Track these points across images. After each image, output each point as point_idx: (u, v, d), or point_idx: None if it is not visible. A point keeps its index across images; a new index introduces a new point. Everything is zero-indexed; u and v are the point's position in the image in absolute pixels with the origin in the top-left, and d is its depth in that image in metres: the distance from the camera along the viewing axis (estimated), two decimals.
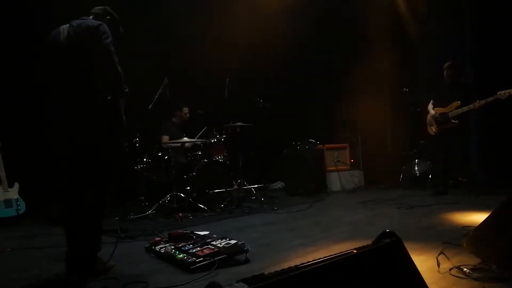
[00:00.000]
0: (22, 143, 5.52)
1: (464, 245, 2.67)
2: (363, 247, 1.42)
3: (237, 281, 1.07)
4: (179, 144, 5.60)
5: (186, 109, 6.33)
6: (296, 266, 1.19)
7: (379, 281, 1.35)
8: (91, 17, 3.00)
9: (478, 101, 5.39)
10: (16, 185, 5.30)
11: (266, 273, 1.17)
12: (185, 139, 5.49)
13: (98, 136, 2.77)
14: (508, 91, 5.11)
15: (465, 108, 5.55)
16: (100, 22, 2.83)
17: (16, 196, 5.22)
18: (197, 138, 6.09)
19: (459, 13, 6.82)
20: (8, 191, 5.21)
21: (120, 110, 2.84)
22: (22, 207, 5.22)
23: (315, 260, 1.24)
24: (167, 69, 5.98)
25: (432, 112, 5.97)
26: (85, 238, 2.76)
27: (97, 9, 3.10)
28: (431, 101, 6.08)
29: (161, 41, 6.68)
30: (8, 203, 5.12)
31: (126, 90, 2.81)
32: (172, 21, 6.70)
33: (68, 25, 2.87)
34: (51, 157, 3.09)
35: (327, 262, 1.22)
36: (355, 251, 1.38)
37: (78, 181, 2.79)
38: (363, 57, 7.81)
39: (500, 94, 5.16)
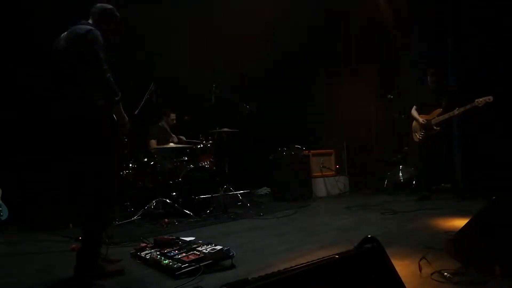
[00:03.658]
0: (4, 149, 5.46)
1: (444, 249, 2.73)
2: (345, 252, 1.45)
3: (221, 286, 1.09)
4: (168, 148, 5.59)
5: (173, 115, 6.35)
6: (279, 271, 1.21)
7: (360, 286, 1.38)
8: (90, 20, 2.99)
9: (457, 108, 5.53)
10: None
11: (250, 278, 1.19)
12: (172, 144, 5.49)
13: (91, 143, 2.79)
14: (484, 99, 5.29)
15: (446, 115, 5.67)
16: (89, 28, 2.82)
17: None
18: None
19: (441, 21, 6.94)
20: None
21: (117, 115, 2.86)
22: (5, 213, 5.14)
23: (298, 265, 1.26)
24: (153, 74, 5.98)
25: (420, 119, 6.02)
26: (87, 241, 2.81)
27: (95, 8, 3.07)
28: (414, 106, 6.17)
29: (147, 46, 6.68)
30: None
31: (117, 97, 2.81)
32: (159, 25, 6.69)
33: (66, 32, 2.90)
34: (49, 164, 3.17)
35: (309, 267, 1.25)
36: (336, 256, 1.41)
37: (77, 186, 2.84)
38: (348, 64, 7.91)
39: (477, 101, 5.33)
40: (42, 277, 2.91)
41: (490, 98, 5.26)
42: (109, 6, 3.11)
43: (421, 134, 6.00)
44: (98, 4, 3.09)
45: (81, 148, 2.82)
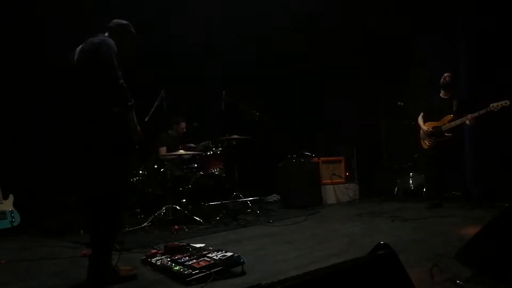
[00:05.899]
0: (17, 155, 5.53)
1: (457, 257, 2.70)
2: (358, 259, 1.45)
3: None
4: (176, 156, 5.61)
5: (183, 124, 6.36)
6: (292, 276, 1.21)
7: None
8: (106, 34, 3.04)
9: (470, 114, 5.46)
10: (11, 197, 5.28)
11: (263, 283, 1.19)
12: (181, 151, 5.51)
13: (105, 150, 2.82)
14: (500, 103, 5.16)
15: (458, 121, 5.61)
16: (103, 38, 2.89)
17: (10, 208, 5.21)
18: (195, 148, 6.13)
19: (453, 25, 6.91)
20: (3, 203, 5.19)
21: (129, 123, 2.88)
22: (17, 219, 5.20)
23: (311, 271, 1.26)
24: (163, 81, 6.01)
25: (424, 128, 5.99)
26: (98, 247, 2.82)
27: (111, 23, 3.13)
28: (421, 113, 6.14)
29: (157, 53, 6.72)
30: (2, 215, 5.10)
31: (131, 103, 2.85)
32: (170, 32, 6.73)
33: (82, 44, 2.97)
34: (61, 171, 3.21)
35: (322, 273, 1.25)
36: (350, 262, 1.40)
37: (91, 192, 2.86)
38: (358, 71, 7.90)
39: (492, 106, 5.20)
40: (55, 282, 2.93)
41: (507, 102, 5.11)
42: (125, 22, 3.16)
43: (431, 141, 5.93)
44: (114, 20, 3.15)
45: (96, 154, 2.84)
